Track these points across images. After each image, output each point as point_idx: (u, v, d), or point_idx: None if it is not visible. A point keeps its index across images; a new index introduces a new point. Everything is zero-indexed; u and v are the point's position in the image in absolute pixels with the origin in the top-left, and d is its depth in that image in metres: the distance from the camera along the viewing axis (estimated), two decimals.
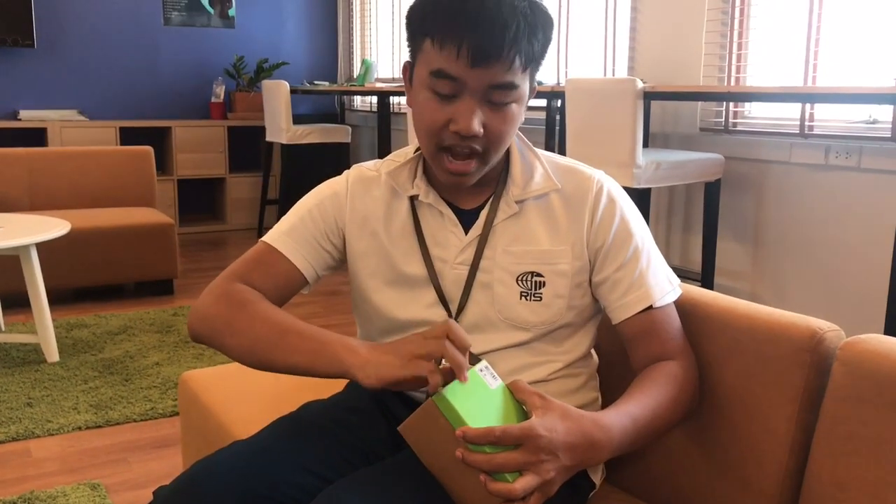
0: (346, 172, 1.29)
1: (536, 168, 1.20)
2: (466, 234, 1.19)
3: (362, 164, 1.30)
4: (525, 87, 1.11)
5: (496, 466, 0.92)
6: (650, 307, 1.16)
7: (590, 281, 1.19)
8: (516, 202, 1.18)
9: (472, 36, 1.03)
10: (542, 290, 1.17)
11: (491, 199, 1.19)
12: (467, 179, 1.13)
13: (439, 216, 1.20)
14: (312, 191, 1.28)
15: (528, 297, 1.16)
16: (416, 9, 1.10)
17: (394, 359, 1.00)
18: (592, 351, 1.28)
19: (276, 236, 1.22)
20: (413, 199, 1.21)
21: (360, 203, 1.24)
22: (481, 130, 1.08)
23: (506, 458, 0.92)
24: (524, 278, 1.17)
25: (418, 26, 1.09)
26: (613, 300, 1.18)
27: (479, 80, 1.06)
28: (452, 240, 1.19)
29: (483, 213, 1.19)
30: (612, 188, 1.21)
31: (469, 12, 1.03)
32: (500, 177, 1.20)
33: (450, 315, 1.18)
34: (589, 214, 1.17)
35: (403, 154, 1.24)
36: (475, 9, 1.03)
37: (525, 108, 1.14)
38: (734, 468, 1.15)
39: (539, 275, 1.17)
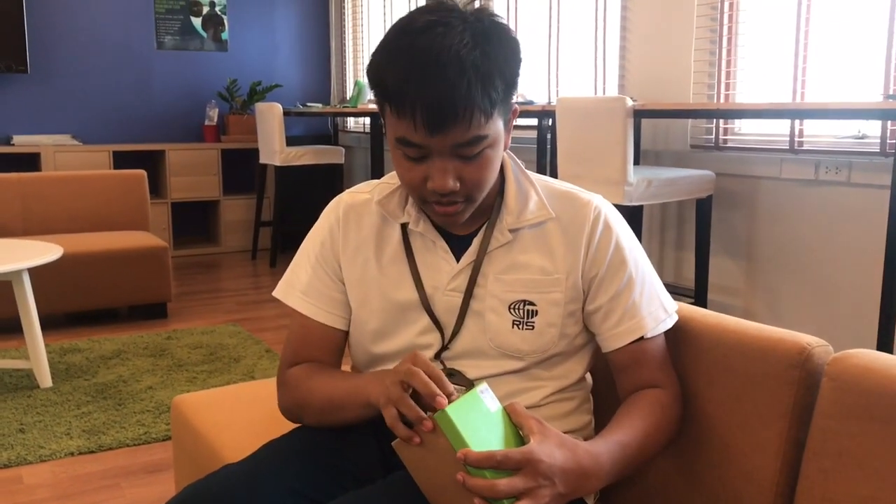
0: (337, 200, 1.28)
1: (531, 196, 1.19)
2: (458, 260, 1.18)
3: (355, 188, 1.29)
4: (496, 129, 1.06)
5: (497, 493, 0.92)
6: (642, 338, 1.15)
7: (582, 309, 1.19)
8: (510, 230, 1.17)
9: (422, 105, 1.00)
10: (535, 319, 1.16)
11: (485, 227, 1.18)
12: (459, 218, 1.13)
13: (431, 243, 1.20)
14: (312, 230, 1.29)
15: (521, 326, 1.16)
16: (373, 70, 1.05)
17: (380, 400, 1.02)
18: (587, 374, 1.28)
19: (299, 301, 1.26)
20: (404, 225, 1.21)
21: (352, 233, 1.24)
22: (457, 185, 1.07)
23: (508, 484, 0.92)
24: (516, 306, 1.16)
25: (376, 90, 1.06)
26: (605, 329, 1.17)
27: (442, 143, 1.03)
28: (444, 266, 1.18)
29: (476, 241, 1.18)
30: (609, 214, 1.19)
31: (417, 80, 0.99)
32: (494, 203, 1.19)
33: (442, 341, 1.18)
34: (585, 243, 1.16)
35: (396, 177, 1.24)
36: (423, 75, 0.99)
37: (502, 143, 1.11)
38: (726, 486, 1.15)
39: (531, 303, 1.16)
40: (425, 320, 1.18)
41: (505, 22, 1.10)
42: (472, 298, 1.17)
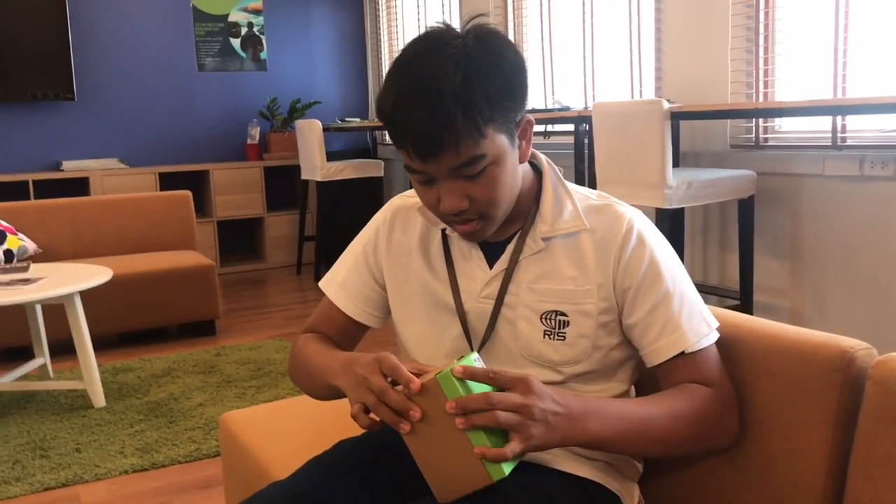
0: (391, 202, 1.35)
1: (566, 206, 1.19)
2: (491, 267, 1.20)
3: (407, 192, 1.33)
4: (496, 146, 1.07)
5: (492, 402, 0.96)
6: (683, 353, 1.14)
7: (620, 323, 1.18)
8: (543, 239, 1.18)
9: (410, 135, 1.04)
10: (566, 330, 1.16)
11: (518, 234, 1.20)
12: (480, 235, 1.15)
13: (466, 249, 1.22)
14: (364, 228, 1.37)
15: (552, 336, 1.16)
16: (377, 102, 1.10)
17: (351, 394, 1.08)
18: (631, 389, 1.26)
19: (333, 289, 1.35)
20: (444, 231, 1.24)
21: (398, 234, 1.29)
22: (466, 204, 1.09)
23: (502, 396, 0.97)
24: (548, 317, 1.16)
25: (379, 120, 1.10)
26: (646, 344, 1.16)
27: (438, 168, 1.06)
28: (478, 273, 1.20)
29: (509, 248, 1.19)
30: (644, 229, 1.18)
31: (403, 111, 1.04)
32: (528, 211, 1.20)
33: (471, 348, 1.19)
34: (616, 255, 1.16)
35: None
36: (407, 106, 1.03)
37: (514, 154, 1.12)
38: (770, 493, 1.14)
39: (563, 314, 1.16)
40: (458, 327, 1.20)
41: (499, 35, 1.10)
42: (503, 306, 1.18)
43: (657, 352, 1.15)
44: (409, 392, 0.99)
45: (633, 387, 1.25)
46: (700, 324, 1.16)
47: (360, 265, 1.32)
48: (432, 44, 1.07)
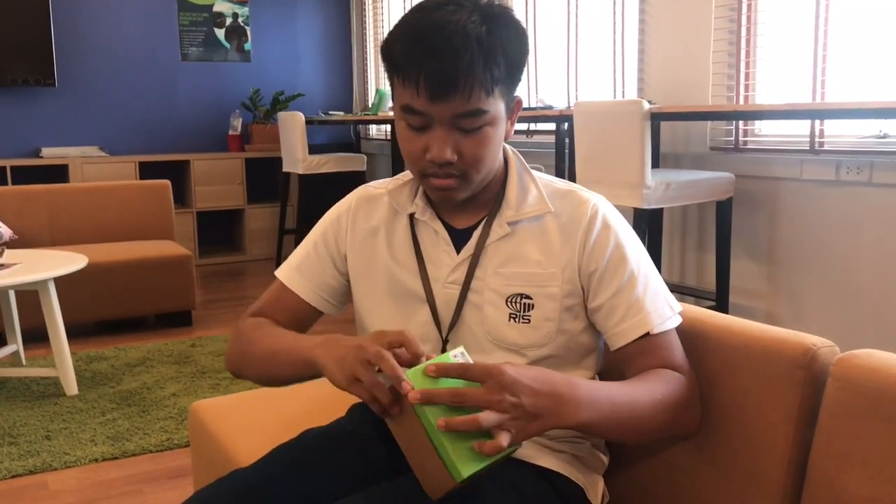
0: (353, 192, 1.34)
1: (531, 190, 1.21)
2: (458, 253, 1.20)
3: (371, 183, 1.35)
4: (497, 108, 1.11)
5: (460, 397, 0.94)
6: (647, 334, 1.15)
7: (585, 308, 1.19)
8: (509, 224, 1.19)
9: (426, 71, 1.05)
10: (531, 313, 1.17)
11: (484, 220, 1.21)
12: (454, 194, 1.15)
13: (434, 234, 1.23)
14: (323, 217, 1.35)
15: (517, 319, 1.17)
16: (385, 45, 1.12)
17: (339, 373, 1.01)
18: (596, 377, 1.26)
19: (287, 272, 1.32)
20: (411, 216, 1.24)
21: (362, 221, 1.29)
22: (455, 157, 1.10)
23: (471, 391, 0.95)
24: (513, 300, 1.17)
25: (387, 62, 1.12)
26: (610, 327, 1.17)
27: (443, 111, 1.07)
28: (445, 259, 1.21)
29: (475, 234, 1.20)
30: (608, 213, 1.20)
31: (423, 47, 1.06)
32: (495, 198, 1.22)
33: (440, 334, 1.20)
34: (581, 239, 1.17)
35: (409, 174, 1.27)
36: (429, 42, 1.05)
37: (505, 125, 1.15)
38: (733, 486, 1.14)
39: (528, 297, 1.17)
40: (426, 312, 1.21)
41: (515, 15, 1.14)
42: (470, 291, 1.19)
43: (622, 333, 1.16)
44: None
45: (597, 376, 1.26)
46: (664, 307, 1.17)
47: (320, 250, 1.30)
48: None
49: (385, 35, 1.20)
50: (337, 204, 1.34)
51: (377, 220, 1.28)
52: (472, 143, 1.10)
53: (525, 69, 1.17)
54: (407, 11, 1.12)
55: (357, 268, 1.28)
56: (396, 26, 1.11)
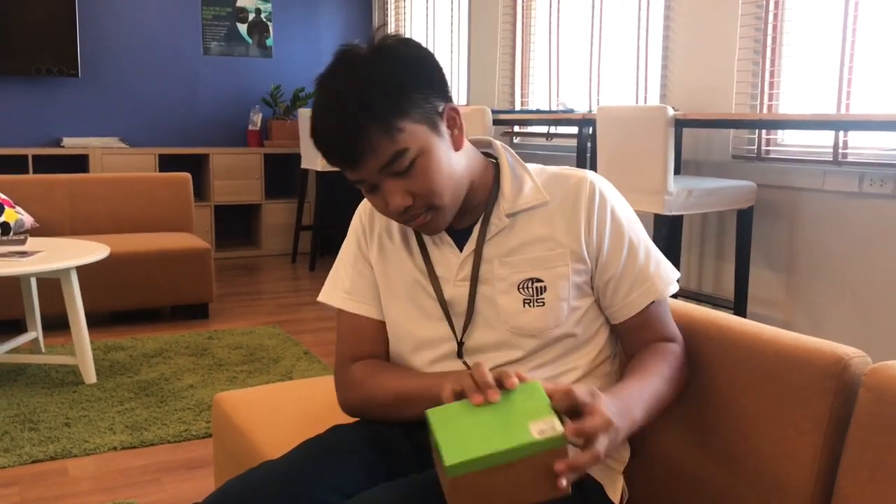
0: (364, 201, 1.34)
1: (526, 182, 1.24)
2: (461, 251, 1.23)
3: None
4: (417, 137, 1.10)
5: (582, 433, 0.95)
6: (654, 302, 1.20)
7: (592, 284, 1.22)
8: (507, 216, 1.22)
9: (327, 152, 1.11)
10: (545, 295, 1.19)
11: (483, 217, 1.23)
12: (435, 225, 1.18)
13: (437, 237, 1.25)
14: (348, 233, 1.36)
15: (532, 304, 1.19)
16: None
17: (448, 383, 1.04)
18: (610, 361, 1.27)
19: (345, 300, 1.31)
20: None
21: (378, 227, 1.31)
22: (409, 200, 1.13)
23: (593, 425, 0.95)
24: (525, 285, 1.19)
25: None
26: (620, 299, 1.21)
27: (368, 172, 1.11)
28: (451, 258, 1.23)
29: (476, 229, 1.23)
30: (602, 186, 1.23)
31: (316, 133, 1.11)
32: (489, 195, 1.24)
33: (454, 333, 1.22)
34: (585, 215, 1.20)
35: None
36: (315, 126, 1.11)
37: (445, 140, 1.14)
38: (758, 494, 1.15)
39: (539, 280, 1.19)
40: (440, 312, 1.23)
41: (402, 39, 1.14)
42: (479, 284, 1.21)
43: (631, 304, 1.20)
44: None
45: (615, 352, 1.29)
46: (667, 272, 1.22)
47: (358, 266, 1.32)
48: (337, 64, 1.13)
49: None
50: (355, 214, 1.36)
51: (392, 224, 1.29)
52: (416, 180, 1.12)
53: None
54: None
55: (379, 270, 1.30)
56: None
